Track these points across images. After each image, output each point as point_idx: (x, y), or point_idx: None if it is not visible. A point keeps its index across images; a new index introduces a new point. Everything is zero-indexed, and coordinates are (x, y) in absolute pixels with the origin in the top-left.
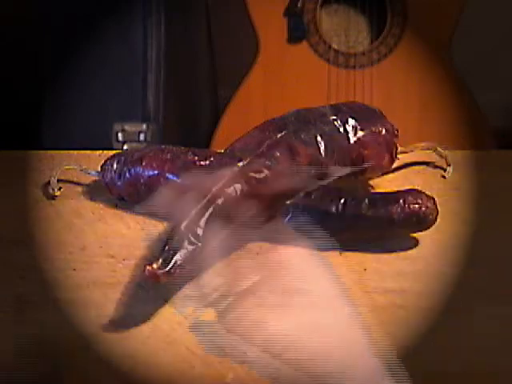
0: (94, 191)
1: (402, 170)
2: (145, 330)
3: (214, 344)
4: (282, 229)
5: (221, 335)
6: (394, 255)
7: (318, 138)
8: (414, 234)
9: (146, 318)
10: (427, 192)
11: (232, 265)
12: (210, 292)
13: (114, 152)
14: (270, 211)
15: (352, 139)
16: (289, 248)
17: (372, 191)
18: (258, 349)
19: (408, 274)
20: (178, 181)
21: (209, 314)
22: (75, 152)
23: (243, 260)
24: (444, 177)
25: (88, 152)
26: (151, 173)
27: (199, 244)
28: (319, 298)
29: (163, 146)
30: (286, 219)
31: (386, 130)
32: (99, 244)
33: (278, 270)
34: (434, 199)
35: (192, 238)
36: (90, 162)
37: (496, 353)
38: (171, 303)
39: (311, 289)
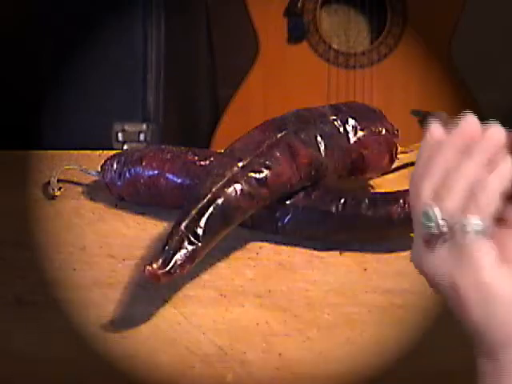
0: (94, 191)
1: (402, 170)
2: (145, 330)
3: None
4: None
5: None
6: (394, 255)
7: (318, 138)
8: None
9: (145, 318)
10: None
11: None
12: None
13: (114, 152)
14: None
15: (352, 139)
16: None
17: (372, 191)
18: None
19: (408, 273)
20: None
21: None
22: (75, 152)
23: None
24: None
25: (88, 152)
26: (151, 173)
27: (199, 244)
28: None
29: (163, 146)
30: (286, 219)
31: (386, 130)
32: (99, 244)
33: None
34: None
35: (192, 238)
36: (90, 162)
37: None
38: (171, 303)
39: None
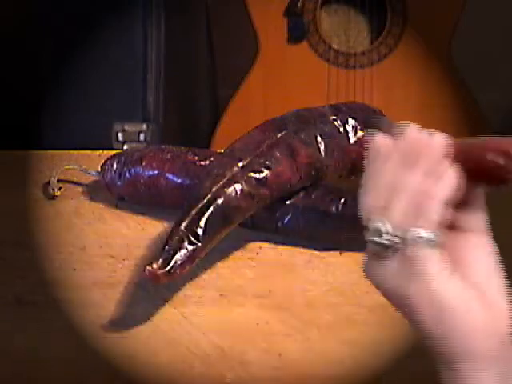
0: (94, 191)
1: None
2: (145, 330)
3: None
4: None
5: None
6: None
7: (318, 138)
8: None
9: (146, 318)
10: None
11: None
12: None
13: (114, 152)
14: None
15: (352, 139)
16: None
17: None
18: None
19: None
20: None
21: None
22: (75, 152)
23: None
24: None
25: (88, 152)
26: (151, 173)
27: (199, 244)
28: None
29: (163, 146)
30: (286, 219)
31: None
32: (99, 244)
33: None
34: None
35: (192, 238)
36: (90, 162)
37: None
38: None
39: None
